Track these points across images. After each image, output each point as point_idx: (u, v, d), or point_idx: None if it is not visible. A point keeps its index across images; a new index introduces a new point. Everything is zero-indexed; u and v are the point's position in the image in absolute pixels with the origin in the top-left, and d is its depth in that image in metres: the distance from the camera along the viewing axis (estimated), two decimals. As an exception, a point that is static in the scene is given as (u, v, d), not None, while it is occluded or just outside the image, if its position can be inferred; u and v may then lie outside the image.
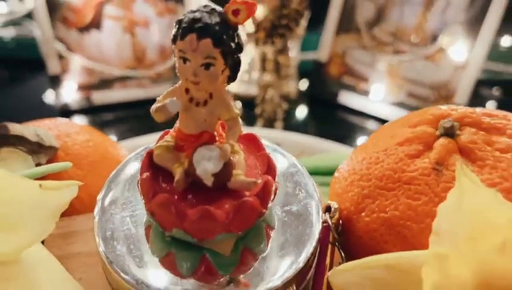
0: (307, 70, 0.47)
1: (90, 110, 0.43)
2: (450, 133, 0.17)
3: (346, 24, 0.45)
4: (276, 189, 0.16)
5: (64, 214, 0.16)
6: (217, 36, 0.13)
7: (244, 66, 0.44)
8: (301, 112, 0.46)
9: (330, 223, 0.17)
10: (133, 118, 0.44)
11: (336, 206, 0.18)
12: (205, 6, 0.14)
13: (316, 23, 0.46)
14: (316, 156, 0.34)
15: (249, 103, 0.43)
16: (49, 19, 0.41)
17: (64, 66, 0.41)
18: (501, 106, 0.46)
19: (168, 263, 0.15)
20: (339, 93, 0.44)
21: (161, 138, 0.16)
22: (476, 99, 0.41)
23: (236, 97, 0.44)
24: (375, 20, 0.43)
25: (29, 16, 0.55)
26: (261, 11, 0.40)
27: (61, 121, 0.26)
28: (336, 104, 0.44)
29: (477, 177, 0.15)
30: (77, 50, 0.42)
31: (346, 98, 0.44)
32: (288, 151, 0.19)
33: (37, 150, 0.21)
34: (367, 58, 0.42)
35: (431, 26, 0.40)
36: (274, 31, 0.41)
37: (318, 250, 0.17)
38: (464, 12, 0.38)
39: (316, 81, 0.46)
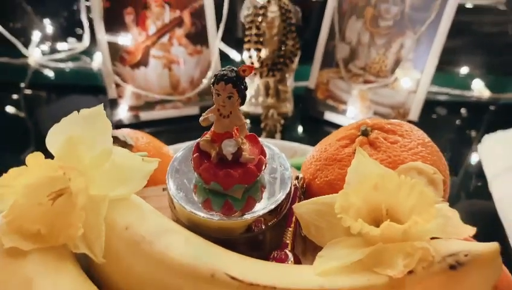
0: (299, 94, 0.56)
1: (138, 125, 0.53)
2: (364, 133, 0.28)
3: (329, 61, 0.54)
4: (265, 164, 0.27)
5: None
6: (234, 83, 0.25)
7: (251, 93, 0.53)
8: (295, 126, 0.56)
9: (298, 185, 0.29)
10: (169, 131, 0.54)
11: (301, 176, 0.29)
12: (229, 67, 0.26)
13: (306, 60, 0.54)
14: (303, 157, 0.45)
15: (255, 120, 0.53)
16: (109, 58, 0.51)
17: (120, 92, 0.52)
18: (444, 120, 0.57)
19: (206, 204, 0.27)
20: (324, 112, 0.54)
21: (203, 135, 0.28)
22: (426, 115, 0.52)
23: (246, 115, 0.54)
24: (349, 58, 0.52)
25: (85, 52, 0.66)
26: (264, 52, 0.51)
27: (130, 130, 0.38)
28: (322, 120, 0.55)
29: (372, 156, 0.27)
30: (129, 81, 0.53)
31: (330, 116, 0.54)
32: (285, 154, 0.30)
33: (124, 145, 0.33)
34: (344, 86, 0.53)
35: (390, 62, 0.50)
36: (274, 66, 0.49)
37: (290, 200, 0.29)
38: (413, 52, 0.49)
39: (306, 103, 0.56)
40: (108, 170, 0.24)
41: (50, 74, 0.64)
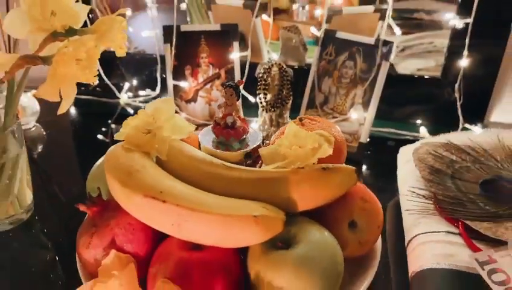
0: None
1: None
2: (300, 120, 0.53)
3: (310, 104, 0.73)
4: (247, 130, 0.52)
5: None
6: (234, 88, 0.51)
7: (259, 122, 0.73)
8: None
9: (263, 145, 0.53)
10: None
11: (266, 141, 0.54)
12: (233, 81, 0.52)
13: (296, 102, 0.74)
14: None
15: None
16: (173, 96, 0.80)
17: (176, 117, 0.80)
18: (383, 144, 0.78)
19: (217, 147, 0.52)
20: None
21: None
22: (372, 140, 0.74)
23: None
24: (323, 102, 0.73)
25: (156, 96, 0.91)
26: (269, 96, 0.77)
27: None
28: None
29: (300, 127, 0.51)
30: (183, 110, 0.78)
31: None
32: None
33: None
34: (320, 120, 0.77)
35: (348, 105, 0.74)
36: (275, 105, 0.75)
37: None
38: (362, 99, 0.74)
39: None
40: (171, 124, 0.50)
41: (131, 110, 0.90)
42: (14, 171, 0.54)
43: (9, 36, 0.53)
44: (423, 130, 0.79)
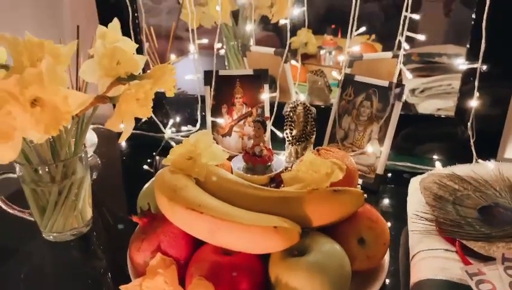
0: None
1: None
2: (318, 150, 0.61)
3: (332, 139, 0.80)
4: (272, 159, 0.61)
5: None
6: (261, 122, 0.61)
7: (286, 155, 0.79)
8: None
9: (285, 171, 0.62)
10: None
11: (288, 167, 0.63)
12: (261, 117, 0.62)
13: (319, 138, 0.80)
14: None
15: (289, 172, 0.86)
16: (211, 130, 0.90)
17: (213, 149, 0.90)
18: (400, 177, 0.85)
19: (247, 171, 0.61)
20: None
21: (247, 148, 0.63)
22: (387, 171, 0.81)
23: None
24: (343, 137, 0.81)
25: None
26: (294, 131, 0.86)
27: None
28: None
29: (316, 156, 0.59)
30: (220, 143, 0.89)
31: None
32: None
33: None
34: (340, 153, 0.85)
35: (365, 140, 0.82)
36: (300, 140, 0.83)
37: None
38: (377, 135, 0.81)
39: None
40: (209, 152, 0.60)
41: (174, 144, 0.98)
42: (79, 190, 0.64)
43: (77, 76, 0.65)
44: (438, 165, 0.85)
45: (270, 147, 0.70)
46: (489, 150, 0.87)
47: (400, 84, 0.76)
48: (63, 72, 0.49)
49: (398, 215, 0.70)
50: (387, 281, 0.57)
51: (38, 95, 0.44)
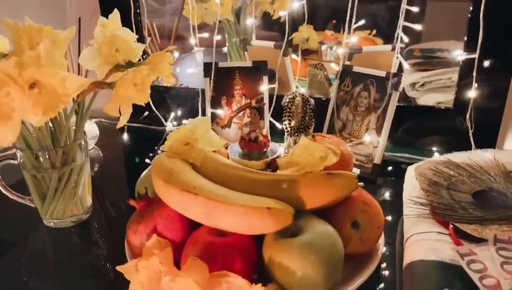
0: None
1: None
2: (313, 136, 0.62)
3: (330, 130, 0.80)
4: (268, 144, 0.62)
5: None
6: (258, 109, 0.62)
7: (284, 146, 0.79)
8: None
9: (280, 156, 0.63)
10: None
11: (282, 155, 0.64)
12: (257, 104, 0.63)
13: (318, 128, 0.80)
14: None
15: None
16: (210, 121, 0.91)
17: (213, 141, 0.91)
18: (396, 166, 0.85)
19: (243, 157, 0.62)
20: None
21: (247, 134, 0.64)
22: (386, 163, 0.82)
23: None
24: (342, 128, 0.83)
25: None
26: (293, 122, 0.87)
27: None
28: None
29: (310, 141, 0.60)
30: (219, 134, 0.91)
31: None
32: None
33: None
34: (339, 144, 0.86)
35: (363, 130, 0.83)
36: (298, 130, 0.85)
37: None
38: (375, 124, 0.82)
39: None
40: (206, 138, 0.60)
41: None
42: (79, 177, 0.66)
43: (79, 66, 0.66)
44: (436, 156, 0.85)
45: (269, 137, 0.71)
46: (488, 141, 0.87)
47: (397, 73, 0.77)
48: (61, 57, 0.50)
49: (397, 206, 0.70)
50: (383, 265, 0.57)
51: (37, 78, 0.45)
